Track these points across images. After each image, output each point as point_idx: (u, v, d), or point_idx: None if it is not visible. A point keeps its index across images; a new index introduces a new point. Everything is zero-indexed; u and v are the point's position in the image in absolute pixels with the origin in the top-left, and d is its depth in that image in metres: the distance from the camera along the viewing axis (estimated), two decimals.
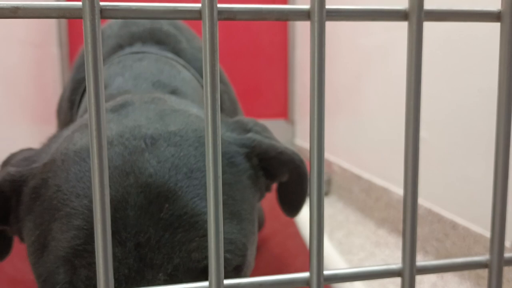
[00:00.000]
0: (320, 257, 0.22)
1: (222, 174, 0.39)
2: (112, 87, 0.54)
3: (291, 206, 0.52)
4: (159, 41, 0.65)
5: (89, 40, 0.18)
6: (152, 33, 0.65)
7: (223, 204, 0.38)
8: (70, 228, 0.34)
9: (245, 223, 0.40)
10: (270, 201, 0.98)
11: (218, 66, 0.20)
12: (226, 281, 0.22)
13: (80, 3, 0.18)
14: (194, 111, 0.46)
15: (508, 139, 0.23)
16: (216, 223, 0.21)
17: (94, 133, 0.19)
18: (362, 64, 1.72)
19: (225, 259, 0.36)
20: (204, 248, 0.35)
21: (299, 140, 2.51)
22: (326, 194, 1.90)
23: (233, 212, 0.38)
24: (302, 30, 2.34)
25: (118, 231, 0.34)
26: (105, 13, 0.18)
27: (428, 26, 1.04)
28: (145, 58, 0.60)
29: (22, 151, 0.46)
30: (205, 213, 0.35)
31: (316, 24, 0.20)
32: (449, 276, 1.15)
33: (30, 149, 0.45)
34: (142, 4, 0.19)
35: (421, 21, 0.21)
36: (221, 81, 0.74)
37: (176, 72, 0.59)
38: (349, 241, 1.42)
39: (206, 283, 0.22)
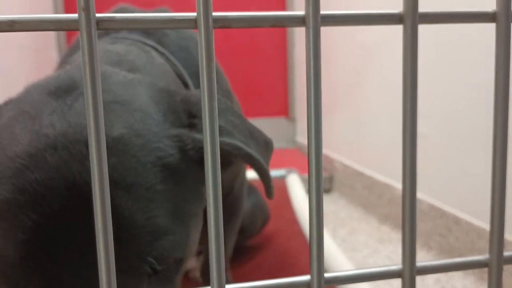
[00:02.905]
0: (321, 260, 0.22)
1: (166, 185, 0.39)
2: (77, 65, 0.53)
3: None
4: (146, 31, 0.65)
5: (86, 52, 0.18)
6: None
7: (167, 214, 0.39)
8: (17, 241, 0.34)
9: (185, 217, 0.41)
10: (273, 199, 0.98)
11: (215, 74, 0.20)
12: (228, 286, 0.22)
13: (76, 15, 0.19)
14: (142, 99, 0.43)
15: (505, 138, 0.24)
16: (216, 231, 0.21)
17: (94, 144, 0.19)
18: (361, 60, 1.72)
19: (165, 258, 0.38)
20: (145, 255, 0.37)
21: (300, 137, 2.51)
22: (329, 191, 1.90)
23: (177, 217, 0.40)
24: (301, 28, 2.33)
25: (55, 250, 0.35)
26: (102, 25, 0.19)
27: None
28: (119, 42, 0.59)
29: None
30: (145, 226, 0.37)
31: (311, 30, 0.20)
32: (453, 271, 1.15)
33: None
34: (137, 15, 0.19)
35: (415, 24, 0.21)
36: (226, 96, 0.73)
37: (145, 55, 0.57)
38: (352, 238, 1.42)
39: None
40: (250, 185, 0.88)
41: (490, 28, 1.05)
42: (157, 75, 0.55)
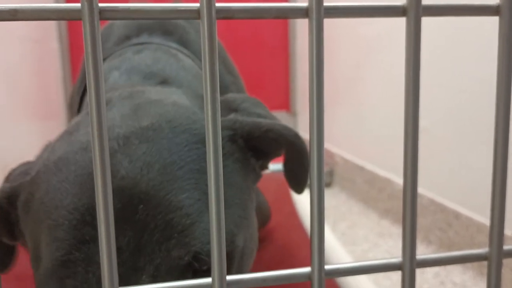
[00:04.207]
0: (321, 252, 0.23)
1: (203, 162, 0.37)
2: (108, 84, 0.53)
3: (295, 183, 0.50)
4: (166, 32, 0.64)
5: (89, 42, 0.18)
6: (160, 24, 0.64)
7: (205, 194, 0.37)
8: (53, 240, 0.35)
9: (233, 209, 0.39)
10: (273, 193, 0.98)
11: (217, 65, 0.20)
12: (229, 277, 0.23)
13: (79, 4, 0.19)
14: (173, 98, 0.43)
15: (506, 132, 0.24)
16: (218, 220, 0.21)
17: (96, 134, 0.19)
18: (363, 53, 1.71)
19: (208, 250, 0.35)
20: (184, 244, 0.34)
21: (302, 132, 2.51)
22: (329, 185, 1.90)
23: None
24: (303, 21, 2.33)
25: (96, 239, 0.34)
26: (104, 14, 0.19)
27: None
28: (145, 49, 0.59)
29: (20, 165, 0.46)
30: (181, 208, 0.34)
31: (314, 22, 0.20)
32: (451, 266, 1.16)
33: (27, 163, 0.46)
34: (141, 4, 0.19)
35: (419, 16, 0.21)
36: (231, 72, 0.73)
37: (175, 61, 0.58)
38: (352, 232, 1.42)
39: (209, 280, 0.22)
40: None
41: (492, 22, 1.05)
42: (189, 81, 0.55)
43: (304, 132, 2.48)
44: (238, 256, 0.39)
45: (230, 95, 0.46)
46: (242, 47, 2.38)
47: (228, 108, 0.44)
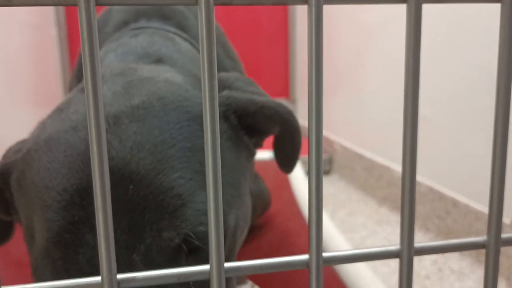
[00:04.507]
0: (319, 239, 0.23)
1: (196, 140, 0.37)
2: (103, 65, 0.53)
3: (285, 161, 0.50)
4: (165, 17, 0.63)
5: (85, 28, 0.18)
6: (159, 9, 0.64)
7: (197, 173, 0.36)
8: (44, 221, 0.35)
9: (225, 188, 0.38)
10: (272, 180, 0.98)
11: (215, 52, 0.20)
12: (227, 264, 0.23)
13: None
14: (165, 76, 0.42)
15: (506, 119, 0.23)
16: (215, 205, 0.21)
17: (92, 118, 0.19)
18: (362, 40, 1.70)
19: (199, 232, 0.35)
20: (175, 226, 0.34)
21: (301, 119, 2.51)
22: (328, 173, 1.90)
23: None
24: (302, 8, 2.31)
25: (87, 219, 0.34)
26: (100, 0, 0.18)
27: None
28: (142, 33, 0.58)
29: (16, 143, 0.46)
30: (172, 188, 0.34)
31: (313, 9, 0.19)
32: (449, 253, 1.16)
33: (23, 141, 0.45)
34: None
35: (419, 3, 0.21)
36: (230, 57, 0.73)
37: (171, 44, 0.57)
38: (351, 219, 1.43)
39: (207, 267, 0.22)
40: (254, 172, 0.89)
41: (492, 9, 1.04)
42: (185, 62, 0.54)
43: (303, 119, 2.48)
44: (230, 235, 0.39)
45: (223, 74, 0.45)
46: (241, 33, 2.36)
47: (222, 86, 0.43)
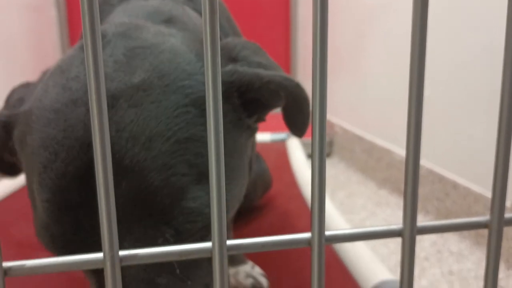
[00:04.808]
0: (322, 218, 0.22)
1: (193, 129, 0.36)
2: (108, 19, 0.51)
3: (296, 128, 0.48)
4: None
5: (85, 0, 0.18)
6: None
7: (192, 166, 0.35)
8: (42, 199, 0.35)
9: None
10: (273, 162, 0.98)
11: (219, 30, 0.19)
12: (229, 242, 0.23)
13: None
14: (170, 43, 0.40)
15: (511, 99, 0.23)
16: (218, 185, 0.21)
17: (94, 95, 0.19)
18: (364, 22, 1.69)
19: (185, 230, 0.35)
20: (163, 223, 0.34)
21: None
22: (328, 155, 1.90)
23: (203, 172, 0.36)
24: None
25: (84, 203, 0.34)
26: None
27: None
28: None
29: (20, 86, 0.45)
30: (163, 188, 0.34)
31: None
32: (449, 234, 1.17)
33: (27, 85, 0.44)
34: None
35: None
36: (235, 33, 0.71)
37: (181, 9, 0.54)
38: (350, 201, 1.43)
39: (209, 244, 0.22)
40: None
41: None
42: (193, 27, 0.51)
43: None
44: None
45: (230, 41, 0.43)
46: (241, 15, 2.33)
47: (228, 56, 0.41)
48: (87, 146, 0.34)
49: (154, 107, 0.35)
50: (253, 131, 0.44)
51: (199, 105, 0.36)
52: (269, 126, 1.30)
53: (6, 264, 0.22)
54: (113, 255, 0.22)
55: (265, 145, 1.37)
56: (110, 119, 0.35)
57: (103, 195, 0.20)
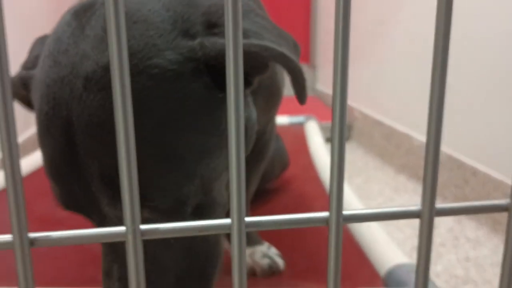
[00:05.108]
0: (340, 197, 0.23)
1: (158, 111, 0.36)
2: None
3: (296, 94, 0.45)
4: None
5: None
6: None
7: (159, 147, 0.36)
8: (44, 155, 0.39)
9: (186, 164, 0.37)
10: (290, 145, 0.98)
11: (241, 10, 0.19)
12: (248, 219, 0.23)
13: None
14: (149, 7, 0.38)
15: None
16: (237, 161, 0.21)
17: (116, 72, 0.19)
18: (385, 8, 1.66)
19: (159, 207, 0.37)
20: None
21: (321, 85, 2.48)
22: (346, 140, 1.89)
23: (171, 152, 0.36)
24: None
25: (69, 174, 0.37)
26: None
27: None
28: None
29: (41, 39, 0.46)
30: (113, 181, 0.36)
31: None
32: (466, 221, 1.16)
33: (45, 38, 0.45)
34: None
35: None
36: (260, 8, 0.67)
37: None
38: (367, 186, 1.43)
39: (228, 220, 0.23)
40: None
41: None
42: None
43: (323, 85, 2.45)
44: (183, 208, 0.39)
45: (213, 5, 0.40)
46: None
47: (208, 23, 0.39)
48: (68, 125, 0.36)
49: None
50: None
51: (166, 85, 0.36)
52: (288, 109, 1.30)
53: (32, 235, 0.22)
54: (134, 229, 0.22)
55: (282, 127, 1.37)
56: (84, 102, 0.35)
57: (126, 172, 0.21)
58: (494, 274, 0.94)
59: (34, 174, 1.05)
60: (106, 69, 0.35)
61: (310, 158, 1.15)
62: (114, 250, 0.39)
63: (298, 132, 1.38)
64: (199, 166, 0.38)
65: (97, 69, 0.35)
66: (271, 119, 0.69)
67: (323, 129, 1.43)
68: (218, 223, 0.23)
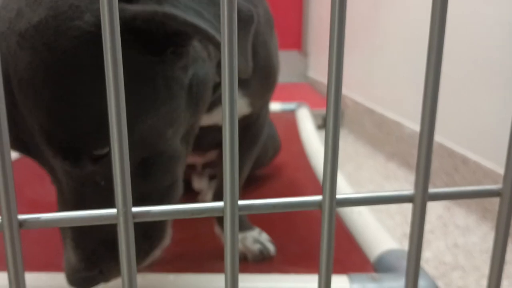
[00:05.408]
0: (334, 181, 0.22)
1: (80, 72, 0.36)
2: None
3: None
4: None
5: None
6: None
7: (84, 109, 0.37)
8: None
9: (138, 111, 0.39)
10: (281, 132, 0.98)
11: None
12: (241, 202, 0.23)
13: None
14: None
15: None
16: (231, 146, 0.21)
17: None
18: None
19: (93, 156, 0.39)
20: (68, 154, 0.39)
21: (312, 72, 2.48)
22: None
23: (98, 114, 0.37)
24: None
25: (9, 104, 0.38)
26: None
27: None
28: None
29: None
30: (56, 130, 0.37)
31: None
32: (455, 208, 1.17)
33: None
34: None
35: None
36: None
37: None
38: (358, 174, 1.44)
39: (221, 203, 0.23)
40: None
41: None
42: None
43: (314, 71, 2.45)
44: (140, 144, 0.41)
45: None
46: None
47: None
48: (7, 78, 0.37)
49: (45, 50, 0.36)
50: (171, 61, 0.42)
51: (86, 47, 0.36)
52: (280, 96, 1.29)
53: (21, 216, 0.22)
54: (126, 211, 0.22)
55: (275, 114, 1.37)
56: (17, 58, 0.36)
57: (118, 158, 0.20)
58: (482, 260, 0.95)
59: (25, 158, 1.04)
60: (35, 29, 0.36)
61: (302, 144, 1.15)
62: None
63: (290, 119, 1.38)
64: (136, 125, 0.39)
65: (29, 28, 0.36)
66: (265, 104, 0.69)
67: (314, 116, 1.43)
68: (211, 206, 0.23)
